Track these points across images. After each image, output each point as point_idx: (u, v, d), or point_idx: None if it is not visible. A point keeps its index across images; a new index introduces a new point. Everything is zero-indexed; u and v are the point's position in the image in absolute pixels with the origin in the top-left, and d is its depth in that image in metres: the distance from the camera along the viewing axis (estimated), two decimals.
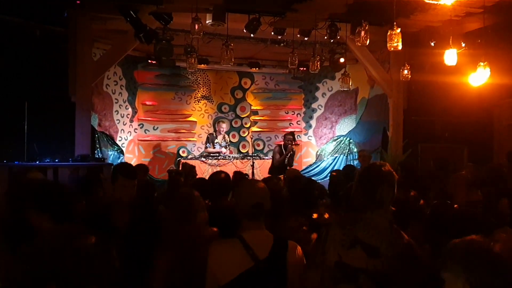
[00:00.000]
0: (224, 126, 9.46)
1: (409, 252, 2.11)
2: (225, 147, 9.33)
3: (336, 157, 10.85)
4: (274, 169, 8.56)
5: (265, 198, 2.45)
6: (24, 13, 6.71)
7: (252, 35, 7.16)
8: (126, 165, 3.27)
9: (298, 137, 11.53)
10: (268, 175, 8.62)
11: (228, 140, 9.59)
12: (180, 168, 6.38)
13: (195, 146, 10.74)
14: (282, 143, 8.80)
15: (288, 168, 8.43)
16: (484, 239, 1.68)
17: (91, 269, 1.44)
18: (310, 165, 11.15)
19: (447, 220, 3.14)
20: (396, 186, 2.24)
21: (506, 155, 6.85)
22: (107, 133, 8.99)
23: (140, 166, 5.59)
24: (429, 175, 5.86)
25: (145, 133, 10.39)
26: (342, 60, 8.38)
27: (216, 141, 9.27)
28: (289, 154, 8.46)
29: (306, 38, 7.74)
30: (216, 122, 10.01)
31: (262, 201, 2.42)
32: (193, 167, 6.36)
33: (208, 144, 9.32)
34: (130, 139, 9.96)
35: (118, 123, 9.46)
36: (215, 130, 9.74)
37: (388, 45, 5.39)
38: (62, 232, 1.53)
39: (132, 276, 2.90)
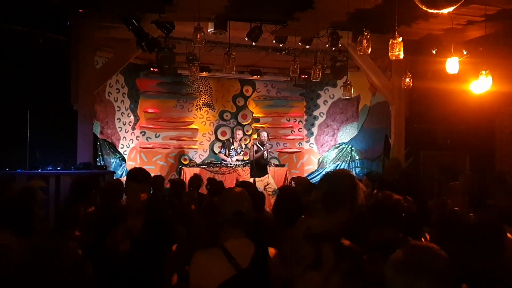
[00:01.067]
0: (240, 133, 9.89)
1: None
2: (241, 153, 9.65)
3: (338, 164, 10.84)
4: (254, 170, 8.61)
5: (247, 206, 2.45)
6: (27, 22, 6.74)
7: (253, 43, 7.18)
8: (134, 169, 3.26)
9: (300, 144, 11.55)
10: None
11: (244, 146, 9.76)
12: (187, 180, 6.36)
13: (197, 153, 10.74)
14: (258, 141, 9.09)
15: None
16: (436, 248, 1.56)
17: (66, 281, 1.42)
18: (312, 173, 11.15)
19: (453, 227, 3.13)
20: (337, 190, 2.18)
21: None
22: (109, 141, 9.00)
23: (156, 177, 5.80)
24: (434, 183, 5.86)
25: (147, 140, 10.40)
26: (342, 68, 8.39)
27: (232, 147, 9.46)
28: (265, 150, 8.73)
29: (307, 46, 7.76)
30: (233, 129, 10.61)
31: (243, 209, 2.42)
32: (200, 178, 6.30)
33: (223, 149, 9.46)
34: (132, 146, 9.97)
35: (120, 131, 9.47)
36: (217, 138, 9.81)
37: (389, 54, 5.39)
38: (31, 247, 1.50)
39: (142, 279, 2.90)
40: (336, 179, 2.20)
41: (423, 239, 3.34)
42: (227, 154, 9.55)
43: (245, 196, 2.50)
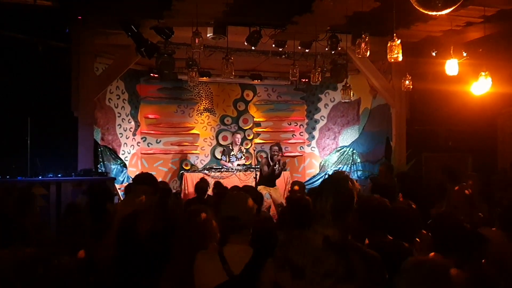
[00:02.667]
0: (239, 137, 9.82)
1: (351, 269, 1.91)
2: (241, 158, 9.59)
3: (340, 167, 10.81)
4: (263, 180, 8.51)
5: (241, 211, 2.41)
6: (27, 29, 6.76)
7: (253, 47, 7.17)
8: (140, 173, 3.28)
9: (301, 148, 11.53)
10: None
11: (244, 150, 9.69)
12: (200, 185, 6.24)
13: (198, 158, 10.73)
14: (269, 154, 8.83)
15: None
16: (443, 261, 1.60)
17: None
18: (314, 176, 11.12)
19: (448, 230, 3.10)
20: (344, 196, 2.03)
21: (510, 164, 6.80)
22: (110, 147, 8.99)
23: None
24: (437, 186, 5.84)
25: (148, 146, 10.40)
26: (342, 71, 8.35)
27: (232, 153, 9.40)
28: (276, 165, 8.44)
29: (307, 50, 7.76)
30: (232, 134, 10.43)
31: (237, 214, 2.39)
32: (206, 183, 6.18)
33: (223, 157, 9.41)
34: (133, 152, 9.97)
35: (121, 137, 9.47)
36: (218, 143, 9.78)
37: (388, 56, 5.39)
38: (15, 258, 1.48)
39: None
40: (339, 186, 2.06)
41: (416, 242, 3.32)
42: (227, 160, 9.49)
43: (241, 200, 2.46)
